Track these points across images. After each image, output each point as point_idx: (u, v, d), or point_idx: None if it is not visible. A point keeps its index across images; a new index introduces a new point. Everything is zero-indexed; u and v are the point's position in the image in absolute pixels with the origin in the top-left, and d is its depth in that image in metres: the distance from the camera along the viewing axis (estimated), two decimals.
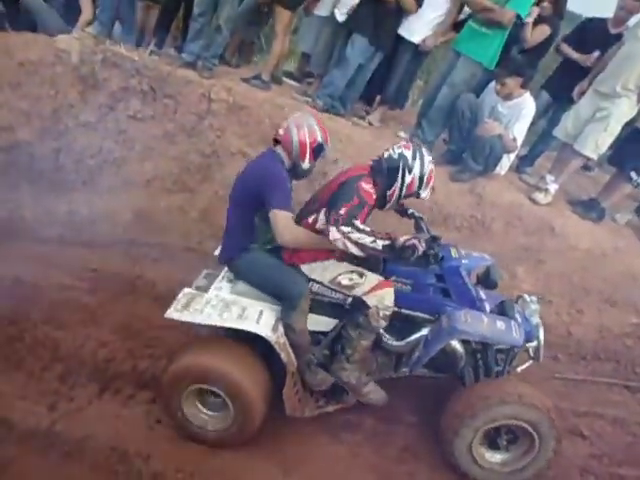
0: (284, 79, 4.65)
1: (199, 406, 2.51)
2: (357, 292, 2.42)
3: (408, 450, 2.68)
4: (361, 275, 2.44)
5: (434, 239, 2.47)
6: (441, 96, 4.05)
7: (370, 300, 2.37)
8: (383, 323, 2.40)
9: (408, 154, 2.40)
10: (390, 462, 2.61)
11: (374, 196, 2.38)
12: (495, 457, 2.51)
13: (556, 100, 4.42)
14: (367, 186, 2.35)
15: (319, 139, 2.45)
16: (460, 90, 3.94)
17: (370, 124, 4.38)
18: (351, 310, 2.49)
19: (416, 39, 4.09)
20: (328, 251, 2.43)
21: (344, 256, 2.44)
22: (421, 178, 2.40)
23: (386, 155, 2.46)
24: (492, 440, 2.50)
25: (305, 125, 2.44)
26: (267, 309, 2.46)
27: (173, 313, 2.38)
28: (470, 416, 2.39)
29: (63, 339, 2.94)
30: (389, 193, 2.45)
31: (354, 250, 2.24)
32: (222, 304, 2.44)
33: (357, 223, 2.24)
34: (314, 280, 2.49)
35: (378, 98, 4.67)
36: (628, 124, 4.00)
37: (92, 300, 3.30)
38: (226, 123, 4.02)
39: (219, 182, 3.95)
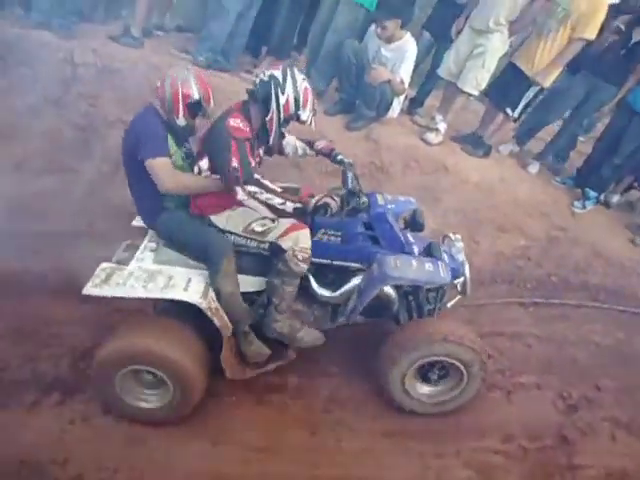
0: (157, 32, 4.23)
1: (135, 385, 2.41)
2: (271, 237, 2.39)
3: (333, 400, 2.77)
4: (273, 220, 2.42)
5: (351, 193, 2.46)
6: (327, 43, 3.95)
7: (285, 243, 2.35)
8: (304, 266, 2.36)
9: (278, 74, 2.29)
10: (317, 414, 2.69)
11: (247, 129, 2.28)
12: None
13: (437, 39, 4.48)
14: (235, 121, 2.25)
15: (195, 95, 2.33)
16: (345, 35, 3.85)
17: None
18: (271, 259, 2.43)
19: None
20: (233, 198, 2.31)
21: None
22: (296, 97, 2.30)
23: (257, 81, 2.33)
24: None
25: (180, 79, 2.32)
26: (195, 275, 2.36)
27: (91, 289, 2.20)
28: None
29: None
30: (268, 120, 2.34)
31: (261, 208, 2.25)
32: (146, 275, 2.30)
33: (264, 181, 2.23)
34: (229, 232, 2.43)
35: (265, 50, 4.45)
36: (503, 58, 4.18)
37: None
38: (98, 89, 3.64)
39: (101, 156, 3.61)
